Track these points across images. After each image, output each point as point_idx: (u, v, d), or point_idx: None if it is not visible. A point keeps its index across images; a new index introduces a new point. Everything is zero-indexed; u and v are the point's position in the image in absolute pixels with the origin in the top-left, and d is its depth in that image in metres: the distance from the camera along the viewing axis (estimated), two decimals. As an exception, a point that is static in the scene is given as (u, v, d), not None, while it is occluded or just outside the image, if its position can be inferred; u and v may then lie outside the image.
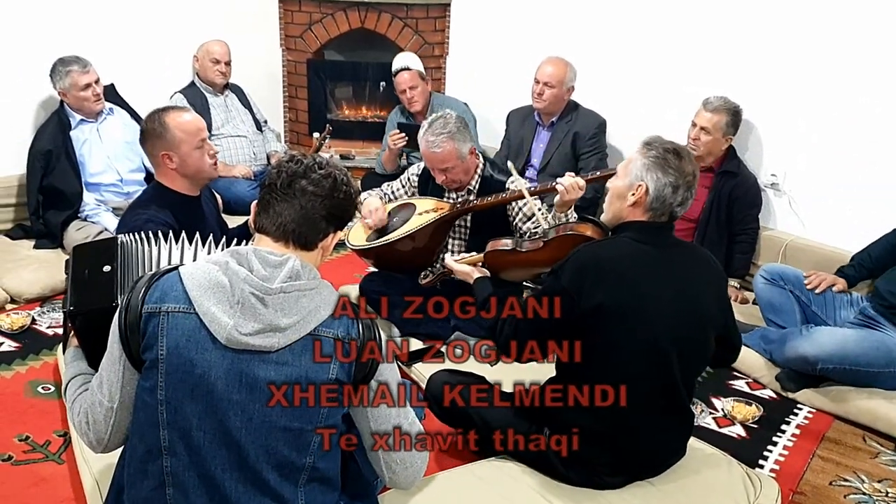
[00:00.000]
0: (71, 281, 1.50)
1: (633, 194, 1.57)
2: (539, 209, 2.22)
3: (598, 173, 2.33)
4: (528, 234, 2.30)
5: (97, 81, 3.00)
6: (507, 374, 2.00)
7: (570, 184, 2.12)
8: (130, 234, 1.58)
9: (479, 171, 2.43)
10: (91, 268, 1.50)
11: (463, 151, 2.32)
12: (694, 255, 1.66)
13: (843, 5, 2.68)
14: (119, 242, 1.55)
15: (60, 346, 1.62)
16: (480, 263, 2.00)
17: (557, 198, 2.17)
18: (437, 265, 2.09)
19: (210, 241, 1.59)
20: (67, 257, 1.59)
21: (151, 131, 2.00)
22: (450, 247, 2.49)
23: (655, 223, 1.58)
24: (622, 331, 1.50)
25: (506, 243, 2.01)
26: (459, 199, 2.41)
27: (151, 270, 1.46)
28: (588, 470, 1.60)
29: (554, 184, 2.16)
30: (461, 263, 1.97)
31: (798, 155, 2.89)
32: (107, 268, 1.49)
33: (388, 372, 1.30)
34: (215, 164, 2.10)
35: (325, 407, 1.21)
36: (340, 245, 3.25)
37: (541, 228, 2.16)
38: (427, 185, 2.54)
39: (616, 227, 1.64)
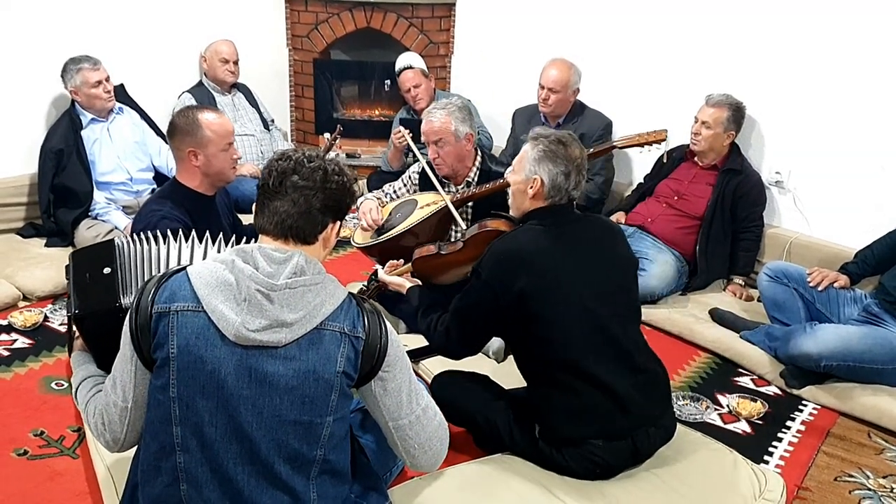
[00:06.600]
0: (73, 285, 1.52)
1: (531, 188, 1.69)
2: None
3: (591, 150, 2.36)
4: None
5: (108, 79, 3.04)
6: (512, 373, 2.01)
7: None
8: (129, 236, 1.61)
9: (477, 163, 2.45)
10: (91, 271, 1.52)
11: (459, 131, 2.34)
12: (595, 221, 1.83)
13: (845, 3, 2.68)
14: (116, 244, 1.57)
15: (67, 350, 1.64)
16: (411, 273, 2.08)
17: None
18: (372, 281, 2.15)
19: (220, 240, 1.61)
20: (66, 263, 1.60)
21: (182, 127, 2.03)
22: (452, 239, 2.51)
23: (556, 206, 1.71)
24: (550, 306, 1.60)
25: (430, 249, 2.10)
26: (459, 191, 2.43)
27: (160, 269, 1.49)
28: (584, 452, 1.62)
29: None
30: (393, 275, 2.06)
31: (802, 152, 2.89)
32: (107, 269, 1.51)
33: (397, 362, 1.31)
34: (235, 168, 2.13)
35: (334, 399, 1.23)
36: (346, 243, 3.29)
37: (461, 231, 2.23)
38: (428, 181, 2.56)
39: (522, 217, 1.76)
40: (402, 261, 2.09)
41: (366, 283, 2.21)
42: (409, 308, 2.46)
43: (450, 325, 1.73)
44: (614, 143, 2.66)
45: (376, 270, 2.59)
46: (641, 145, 2.58)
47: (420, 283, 2.03)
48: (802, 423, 2.20)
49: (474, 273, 1.68)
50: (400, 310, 2.50)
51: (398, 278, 2.04)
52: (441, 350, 1.82)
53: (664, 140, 2.56)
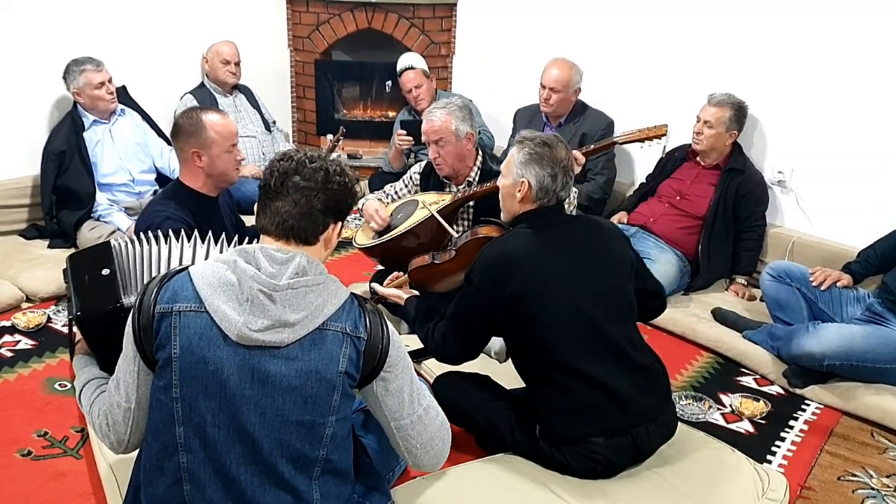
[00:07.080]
0: (73, 288, 1.52)
1: (520, 191, 1.71)
2: None
3: (592, 146, 2.34)
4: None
5: (110, 80, 3.05)
6: (512, 373, 2.02)
7: None
8: (129, 237, 1.62)
9: (478, 163, 2.45)
10: (90, 273, 1.53)
11: (459, 130, 2.34)
12: (587, 222, 1.82)
13: (846, 3, 2.68)
14: (112, 245, 1.58)
15: (69, 353, 1.64)
16: (408, 284, 2.09)
17: None
18: (373, 296, 2.16)
19: (222, 240, 1.62)
20: (64, 267, 1.61)
21: (186, 128, 2.04)
22: (451, 242, 2.51)
23: (545, 208, 1.71)
24: (542, 307, 1.61)
25: (424, 259, 2.11)
26: (460, 191, 2.43)
27: (161, 270, 1.49)
28: (585, 451, 1.62)
29: None
30: (390, 287, 2.06)
31: (804, 152, 2.89)
32: (105, 270, 1.51)
33: (399, 363, 1.31)
34: (239, 169, 2.14)
35: (336, 399, 1.23)
36: (348, 244, 3.29)
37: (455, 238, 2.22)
38: (429, 181, 2.56)
39: (512, 221, 1.76)
40: (400, 272, 2.10)
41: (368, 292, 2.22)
42: (408, 315, 2.47)
43: (446, 331, 1.75)
44: (614, 139, 2.66)
45: (376, 276, 2.60)
46: (642, 140, 2.58)
47: (417, 293, 2.04)
48: (805, 422, 2.20)
49: (467, 279, 1.69)
50: (401, 310, 2.50)
51: (395, 290, 2.05)
52: (439, 356, 1.83)
53: (665, 135, 2.57)
